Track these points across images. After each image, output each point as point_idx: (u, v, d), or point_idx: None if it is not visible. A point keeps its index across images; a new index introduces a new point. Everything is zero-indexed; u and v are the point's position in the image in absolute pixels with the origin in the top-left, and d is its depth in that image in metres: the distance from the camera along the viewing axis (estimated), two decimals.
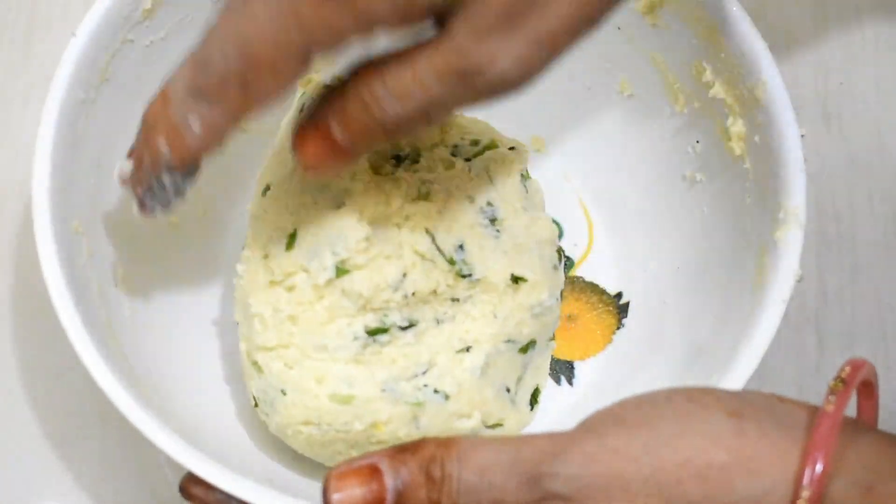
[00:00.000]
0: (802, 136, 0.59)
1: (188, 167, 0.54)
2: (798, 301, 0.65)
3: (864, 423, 0.47)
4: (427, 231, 0.59)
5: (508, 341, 0.60)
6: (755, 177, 0.60)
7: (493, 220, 0.61)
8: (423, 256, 0.59)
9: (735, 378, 0.55)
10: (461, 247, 0.59)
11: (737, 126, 0.61)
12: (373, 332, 0.58)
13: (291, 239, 0.59)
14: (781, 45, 0.72)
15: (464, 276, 0.59)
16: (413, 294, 0.58)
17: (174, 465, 0.53)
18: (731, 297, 0.60)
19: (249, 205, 0.62)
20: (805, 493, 0.43)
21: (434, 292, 0.59)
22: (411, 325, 0.58)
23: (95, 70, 0.60)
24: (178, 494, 0.55)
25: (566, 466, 0.45)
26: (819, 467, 0.43)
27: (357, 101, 0.51)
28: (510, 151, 0.63)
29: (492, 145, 0.62)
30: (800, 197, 0.57)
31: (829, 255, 0.68)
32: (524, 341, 0.61)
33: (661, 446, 0.44)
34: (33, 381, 0.65)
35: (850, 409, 0.45)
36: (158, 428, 0.53)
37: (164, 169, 0.54)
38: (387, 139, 0.52)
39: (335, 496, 0.46)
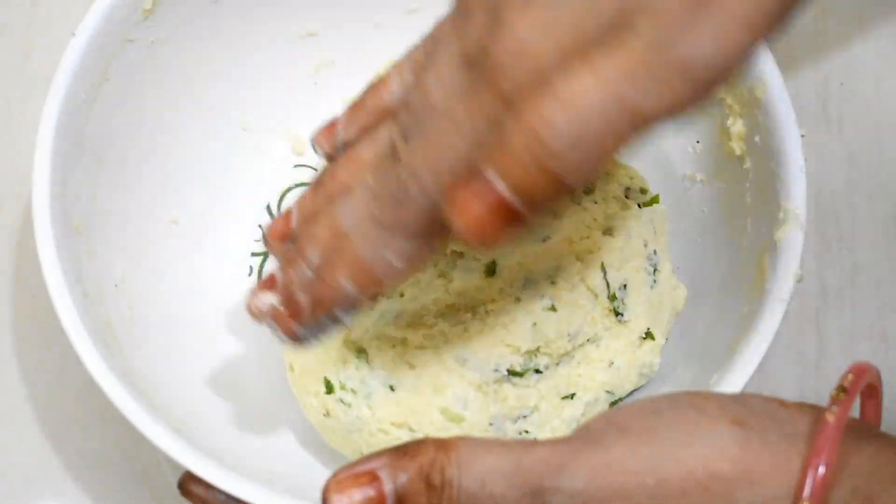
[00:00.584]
0: (802, 136, 0.59)
1: (372, 300, 0.51)
2: (798, 301, 0.65)
3: (867, 425, 0.47)
4: (602, 266, 0.59)
5: (609, 392, 0.59)
6: (755, 177, 0.60)
7: (654, 270, 0.61)
8: (592, 291, 0.59)
9: (735, 378, 0.55)
10: (624, 286, 0.60)
11: (737, 126, 0.61)
12: (512, 373, 0.58)
13: (490, 268, 0.59)
14: (781, 45, 0.72)
15: (617, 314, 0.59)
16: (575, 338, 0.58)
17: (174, 464, 0.52)
18: (731, 298, 0.60)
19: None
20: None
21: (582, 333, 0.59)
22: (538, 371, 0.58)
23: (95, 70, 0.60)
24: (177, 494, 0.55)
25: (569, 481, 0.44)
26: (819, 478, 0.43)
27: (520, 134, 0.40)
28: (664, 209, 0.63)
29: (656, 199, 0.63)
30: (800, 197, 0.57)
31: (829, 255, 0.68)
32: (619, 396, 0.60)
33: (665, 458, 0.44)
34: (33, 381, 0.65)
35: (854, 409, 0.45)
36: (158, 427, 0.53)
37: (343, 305, 0.51)
38: (569, 185, 0.41)
39: None
